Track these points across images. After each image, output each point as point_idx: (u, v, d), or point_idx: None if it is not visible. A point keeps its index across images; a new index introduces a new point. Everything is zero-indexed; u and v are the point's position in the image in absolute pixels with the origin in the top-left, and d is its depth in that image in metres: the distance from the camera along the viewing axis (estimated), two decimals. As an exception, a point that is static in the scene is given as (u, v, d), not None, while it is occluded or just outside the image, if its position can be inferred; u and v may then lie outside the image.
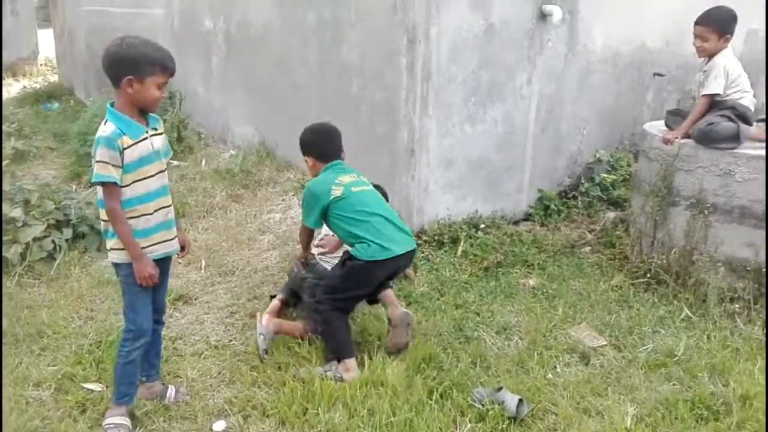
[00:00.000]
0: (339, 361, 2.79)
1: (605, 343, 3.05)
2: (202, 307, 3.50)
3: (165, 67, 2.32)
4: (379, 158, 4.21)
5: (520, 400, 2.52)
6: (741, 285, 3.27)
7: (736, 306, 3.21)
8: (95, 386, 2.73)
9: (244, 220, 4.52)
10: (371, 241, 2.75)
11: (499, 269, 3.72)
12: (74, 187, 5.27)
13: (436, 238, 3.96)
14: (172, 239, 2.51)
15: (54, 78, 11.67)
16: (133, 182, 2.33)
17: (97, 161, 2.28)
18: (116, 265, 2.43)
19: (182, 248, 2.60)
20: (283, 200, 4.72)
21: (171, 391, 2.68)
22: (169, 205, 2.49)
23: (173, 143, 5.99)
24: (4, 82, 11.78)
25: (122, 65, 2.27)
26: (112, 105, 2.35)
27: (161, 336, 2.75)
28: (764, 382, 2.67)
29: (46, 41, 13.07)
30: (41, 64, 13.02)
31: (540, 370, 2.81)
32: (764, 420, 2.45)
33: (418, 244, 3.93)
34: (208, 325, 3.32)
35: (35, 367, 2.85)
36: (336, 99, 4.57)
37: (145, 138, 2.36)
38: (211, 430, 2.52)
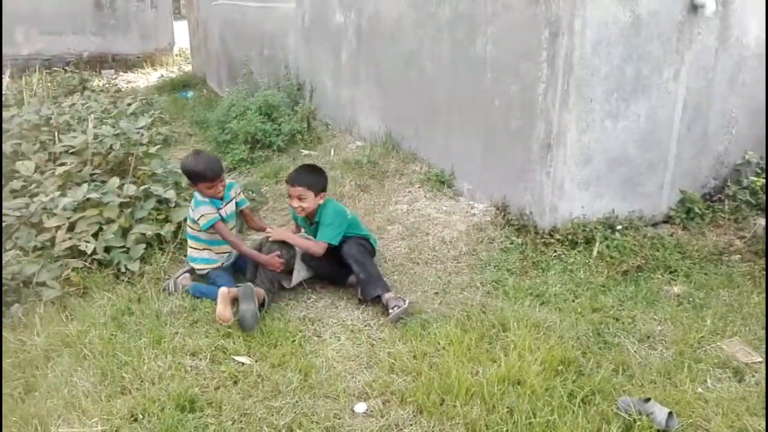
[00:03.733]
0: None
1: (761, 359, 2.84)
2: (335, 291, 3.62)
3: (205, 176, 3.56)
4: (512, 153, 4.15)
5: (670, 413, 2.41)
6: None
7: None
8: (245, 359, 2.92)
9: (373, 209, 4.62)
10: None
11: (639, 274, 3.56)
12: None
13: (569, 237, 3.85)
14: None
15: (188, 68, 12.50)
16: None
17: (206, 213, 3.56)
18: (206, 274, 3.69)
19: None
20: (410, 192, 4.77)
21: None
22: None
23: (303, 133, 6.25)
24: (143, 71, 12.78)
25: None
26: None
27: None
28: None
29: (179, 33, 14.01)
30: (176, 55, 13.98)
31: (689, 383, 2.66)
32: None
33: (550, 243, 3.86)
34: (342, 310, 3.43)
35: (190, 338, 3.09)
36: (468, 93, 4.55)
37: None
38: (353, 410, 2.61)
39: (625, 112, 3.93)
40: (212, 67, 10.54)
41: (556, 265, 3.69)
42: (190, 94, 10.08)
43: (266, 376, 2.80)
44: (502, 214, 4.19)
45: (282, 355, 2.93)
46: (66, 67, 10.13)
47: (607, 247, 3.75)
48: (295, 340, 3.07)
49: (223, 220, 3.59)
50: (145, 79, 12.06)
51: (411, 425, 2.50)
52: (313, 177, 3.58)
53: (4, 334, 3.15)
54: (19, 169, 4.40)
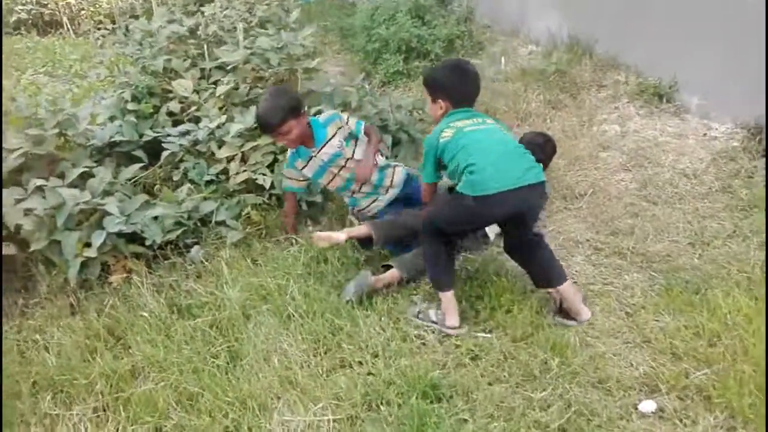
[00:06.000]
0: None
1: None
2: (555, 237, 3.00)
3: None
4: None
5: None
6: None
7: None
8: (480, 334, 2.40)
9: (572, 132, 3.85)
10: (477, 171, 2.28)
11: None
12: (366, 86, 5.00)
13: None
14: None
15: (306, -32, 11.70)
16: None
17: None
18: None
19: None
20: (617, 108, 3.95)
21: None
22: None
23: (463, 38, 5.44)
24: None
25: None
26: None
27: None
28: None
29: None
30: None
31: None
32: None
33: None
34: (573, 263, 2.81)
35: (399, 295, 2.61)
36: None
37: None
38: (637, 409, 2.04)
39: None
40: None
41: None
42: (311, -2, 9.33)
43: (510, 353, 2.27)
44: (757, 138, 3.31)
45: (522, 326, 2.38)
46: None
47: None
48: (529, 305, 2.50)
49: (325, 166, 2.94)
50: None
51: (731, 438, 1.91)
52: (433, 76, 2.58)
53: (191, 284, 2.82)
54: (176, 89, 3.96)
